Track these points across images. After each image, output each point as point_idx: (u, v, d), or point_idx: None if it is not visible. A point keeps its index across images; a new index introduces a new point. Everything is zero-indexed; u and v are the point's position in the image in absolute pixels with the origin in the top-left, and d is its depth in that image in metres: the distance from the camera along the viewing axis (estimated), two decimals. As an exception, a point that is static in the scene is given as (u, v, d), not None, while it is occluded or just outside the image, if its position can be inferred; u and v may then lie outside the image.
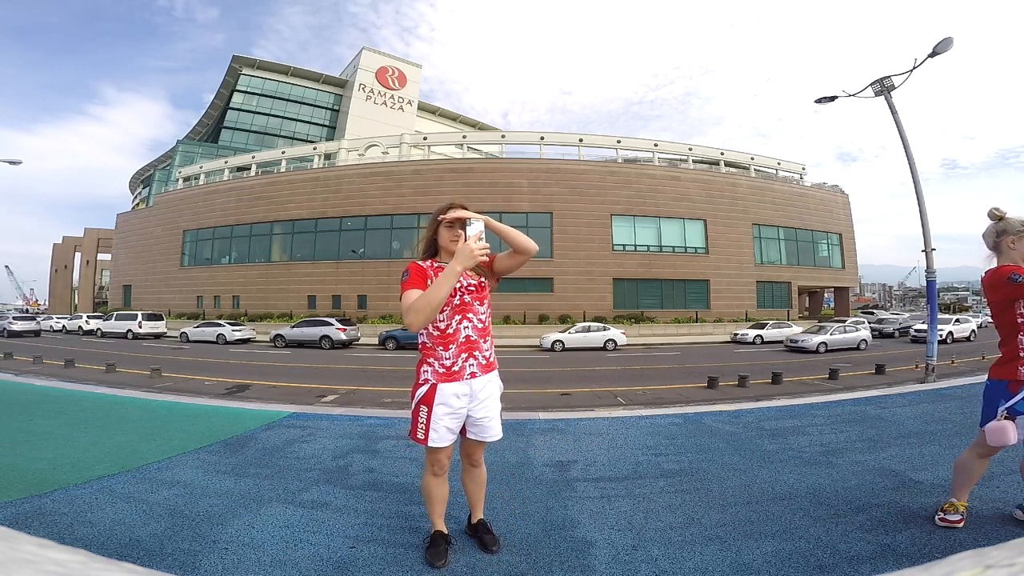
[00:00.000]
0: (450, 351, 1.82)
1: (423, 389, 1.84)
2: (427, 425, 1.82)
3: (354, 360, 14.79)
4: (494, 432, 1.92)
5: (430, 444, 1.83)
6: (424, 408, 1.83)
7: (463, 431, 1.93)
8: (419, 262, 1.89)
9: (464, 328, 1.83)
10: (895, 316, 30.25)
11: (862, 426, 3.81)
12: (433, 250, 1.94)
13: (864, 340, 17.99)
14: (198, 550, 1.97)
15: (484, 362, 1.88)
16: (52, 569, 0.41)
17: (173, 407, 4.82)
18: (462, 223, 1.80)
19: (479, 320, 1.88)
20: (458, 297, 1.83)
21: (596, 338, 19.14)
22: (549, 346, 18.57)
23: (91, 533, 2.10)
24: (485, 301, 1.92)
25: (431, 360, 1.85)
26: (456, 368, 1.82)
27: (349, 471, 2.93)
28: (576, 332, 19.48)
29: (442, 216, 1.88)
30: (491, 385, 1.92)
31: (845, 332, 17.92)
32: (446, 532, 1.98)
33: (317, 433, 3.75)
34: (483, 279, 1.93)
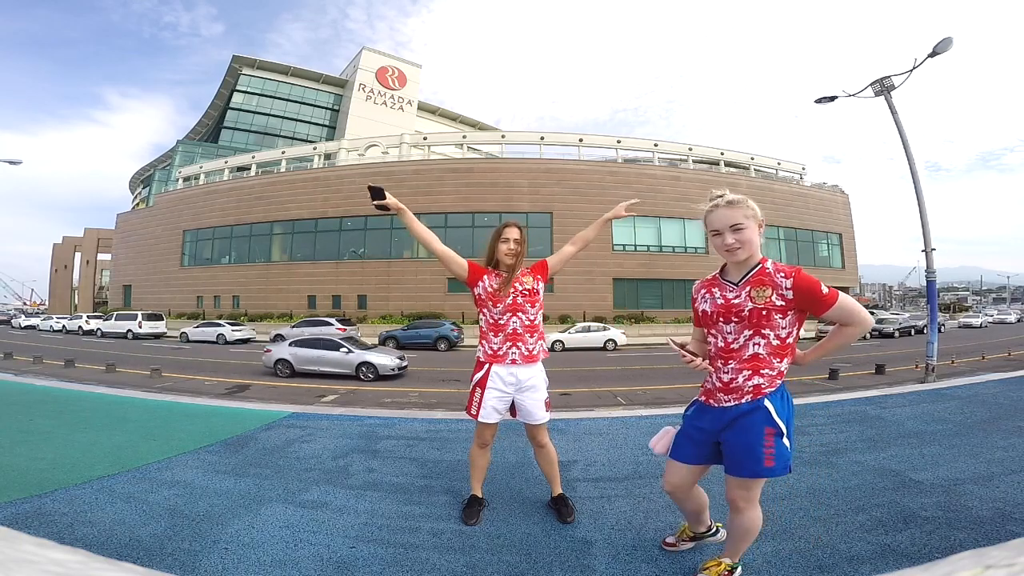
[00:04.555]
0: (499, 338, 2.21)
1: (479, 373, 2.24)
2: (479, 403, 2.21)
3: (354, 360, 14.77)
4: (537, 417, 2.24)
5: (480, 420, 2.22)
6: (479, 389, 2.23)
7: (514, 415, 2.31)
8: (485, 266, 2.28)
9: (513, 323, 2.21)
10: (895, 316, 30.24)
11: (862, 426, 3.81)
12: (495, 260, 2.27)
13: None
14: (198, 550, 1.97)
15: (526, 353, 2.22)
16: (52, 569, 0.41)
17: (173, 407, 4.82)
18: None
19: (527, 319, 2.24)
20: (511, 298, 2.21)
21: (596, 338, 19.14)
22: (549, 346, 18.57)
23: (91, 533, 2.10)
24: (536, 303, 2.28)
25: (484, 343, 2.26)
26: (501, 353, 2.21)
27: (349, 471, 2.92)
28: (576, 332, 19.48)
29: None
30: (534, 378, 2.25)
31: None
32: (481, 496, 2.36)
33: (317, 433, 3.75)
34: (536, 286, 2.27)
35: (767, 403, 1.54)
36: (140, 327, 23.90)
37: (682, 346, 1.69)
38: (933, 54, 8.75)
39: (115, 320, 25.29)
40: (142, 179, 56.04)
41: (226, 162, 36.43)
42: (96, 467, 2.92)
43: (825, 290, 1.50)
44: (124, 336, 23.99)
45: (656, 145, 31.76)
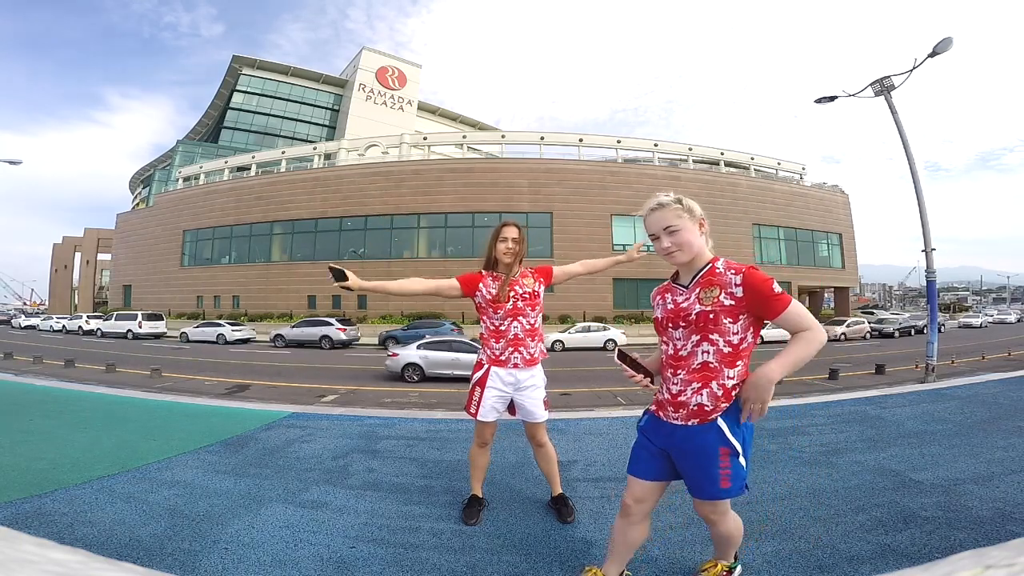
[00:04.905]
0: (500, 344, 2.23)
1: (479, 373, 2.27)
2: (479, 402, 2.24)
3: (354, 360, 14.81)
4: (537, 416, 2.27)
5: (479, 418, 2.24)
6: (478, 388, 2.25)
7: (513, 413, 2.33)
8: (478, 272, 2.27)
9: (514, 328, 2.22)
10: (895, 316, 30.26)
11: (862, 426, 3.81)
12: (493, 259, 2.25)
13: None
14: (198, 550, 1.97)
15: (528, 357, 2.25)
16: (52, 569, 0.41)
17: (173, 407, 4.82)
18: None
19: (528, 323, 2.24)
20: (511, 303, 2.20)
21: (596, 338, 19.15)
22: (549, 346, 18.59)
23: (91, 533, 2.10)
24: (536, 307, 2.28)
25: (486, 348, 2.29)
26: (503, 357, 2.23)
27: (349, 471, 2.92)
28: (576, 332, 19.50)
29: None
30: (534, 378, 2.27)
31: None
32: (481, 496, 2.37)
33: (317, 433, 3.75)
34: (537, 288, 2.27)
35: (720, 422, 1.43)
36: (140, 327, 23.89)
37: (632, 362, 1.61)
38: (933, 54, 8.75)
39: (115, 320, 25.28)
40: (142, 179, 56.03)
41: (226, 162, 36.42)
42: (96, 467, 2.92)
43: (777, 289, 1.37)
44: (124, 336, 23.98)
45: (656, 145, 31.76)
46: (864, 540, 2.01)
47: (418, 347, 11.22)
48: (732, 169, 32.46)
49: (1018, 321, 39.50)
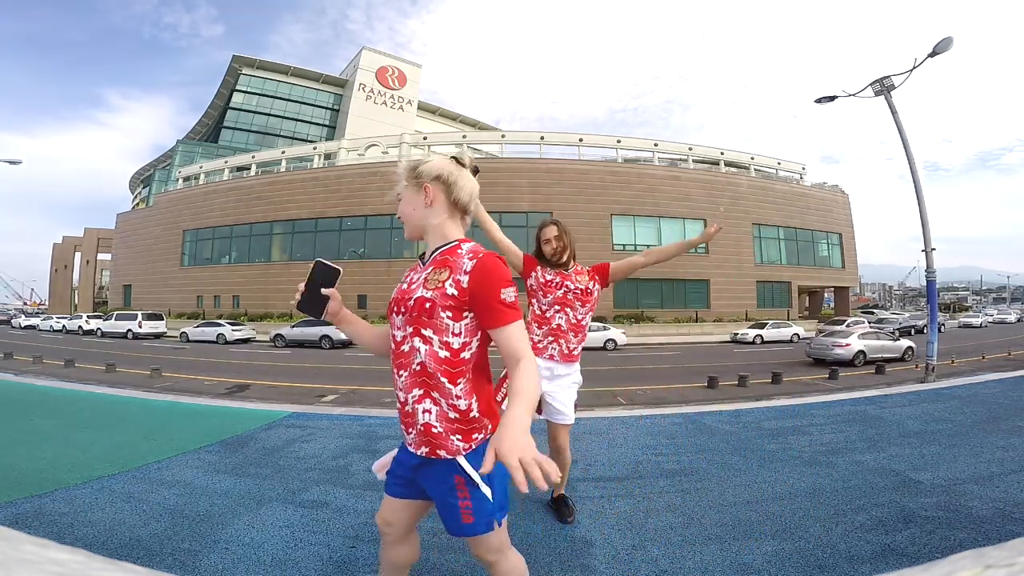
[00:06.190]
0: (542, 331, 2.17)
1: None
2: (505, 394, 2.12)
3: (354, 360, 14.80)
4: (566, 415, 2.19)
5: (504, 408, 2.10)
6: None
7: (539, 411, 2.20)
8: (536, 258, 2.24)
9: (559, 318, 2.16)
10: (895, 316, 30.29)
11: (862, 426, 3.81)
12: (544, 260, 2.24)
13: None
14: (198, 550, 1.97)
15: (566, 351, 2.18)
16: (52, 569, 0.41)
17: (173, 407, 4.82)
18: None
19: (574, 317, 2.18)
20: (561, 291, 2.16)
21: (596, 338, 19.14)
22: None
23: (91, 533, 2.10)
24: (588, 304, 2.21)
25: (528, 333, 2.18)
26: (541, 346, 2.16)
27: (349, 471, 2.92)
28: (576, 332, 19.47)
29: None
30: (569, 378, 2.22)
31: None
32: None
33: (317, 433, 3.75)
34: (591, 286, 2.21)
35: (462, 460, 1.16)
36: (140, 327, 23.88)
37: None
38: (933, 54, 8.75)
39: (115, 320, 25.25)
40: (142, 179, 56.06)
41: (226, 162, 36.43)
42: (96, 467, 2.92)
43: (508, 298, 1.10)
44: (124, 336, 23.97)
45: (656, 145, 31.77)
46: (864, 540, 2.01)
47: (859, 337, 13.32)
48: (732, 169, 32.47)
49: (1018, 321, 39.50)
